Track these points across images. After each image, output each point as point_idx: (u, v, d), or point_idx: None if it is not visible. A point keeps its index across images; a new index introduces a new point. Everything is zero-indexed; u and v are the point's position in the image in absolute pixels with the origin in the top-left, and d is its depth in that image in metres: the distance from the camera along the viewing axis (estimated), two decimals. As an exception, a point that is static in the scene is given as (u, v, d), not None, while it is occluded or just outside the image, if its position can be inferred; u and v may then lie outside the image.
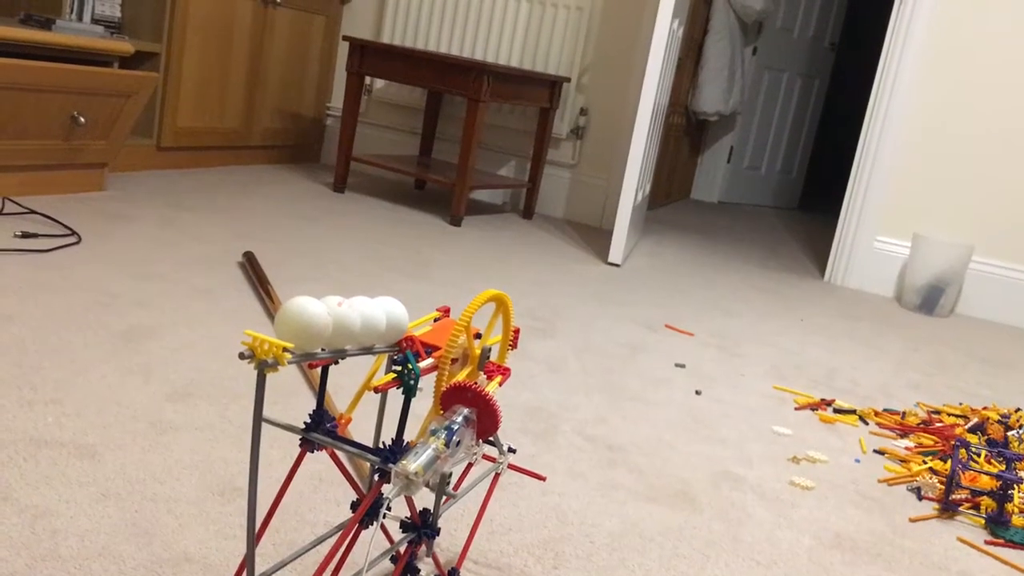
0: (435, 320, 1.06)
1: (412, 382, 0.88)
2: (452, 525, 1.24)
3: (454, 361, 0.95)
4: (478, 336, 1.04)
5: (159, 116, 3.28)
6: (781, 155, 5.75)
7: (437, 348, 0.97)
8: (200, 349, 1.72)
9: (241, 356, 0.79)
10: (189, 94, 3.37)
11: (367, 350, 0.91)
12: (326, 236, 2.83)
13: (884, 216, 3.51)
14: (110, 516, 1.12)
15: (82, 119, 2.57)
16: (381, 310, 0.90)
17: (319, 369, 1.69)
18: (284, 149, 4.06)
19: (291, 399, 1.57)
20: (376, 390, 0.90)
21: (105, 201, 2.73)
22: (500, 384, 0.99)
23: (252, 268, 2.24)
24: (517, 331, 1.06)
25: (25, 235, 2.21)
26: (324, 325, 0.83)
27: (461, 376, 0.97)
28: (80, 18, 3.08)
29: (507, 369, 1.02)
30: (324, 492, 1.27)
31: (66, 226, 2.35)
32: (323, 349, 0.87)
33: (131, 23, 3.24)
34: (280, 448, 1.38)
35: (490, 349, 1.04)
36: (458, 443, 0.86)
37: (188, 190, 3.12)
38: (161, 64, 3.23)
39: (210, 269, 2.25)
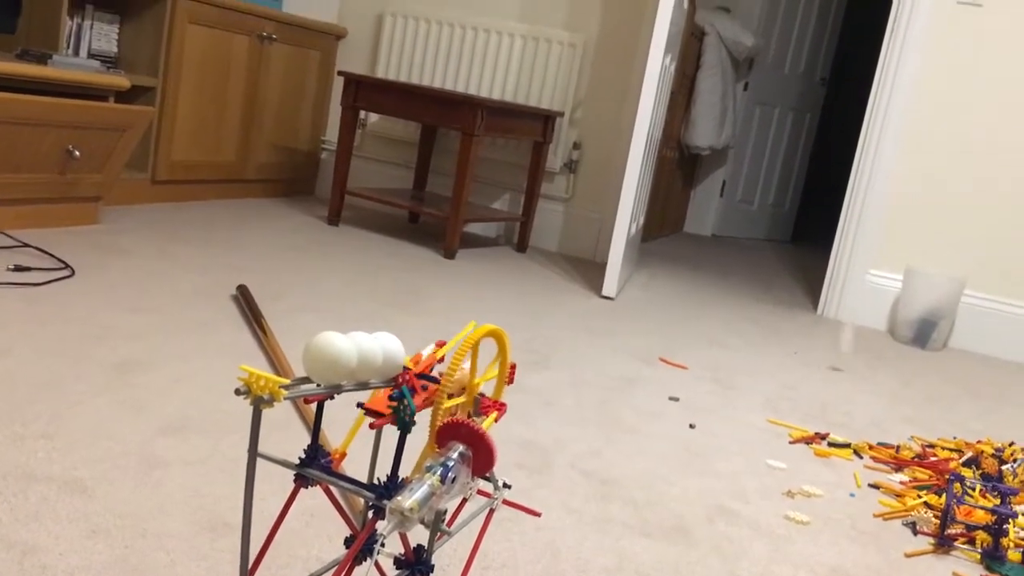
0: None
1: (407, 418, 0.88)
2: (446, 561, 1.23)
3: (450, 396, 0.95)
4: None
5: (154, 150, 3.29)
6: (773, 189, 5.79)
7: (434, 381, 0.97)
8: (193, 383, 1.72)
9: (237, 392, 0.79)
10: (185, 128, 3.39)
11: (363, 385, 0.91)
12: (320, 269, 2.83)
13: (876, 249, 3.53)
14: (100, 552, 1.11)
15: (77, 153, 2.57)
16: (379, 345, 0.90)
17: (314, 404, 1.68)
18: (279, 182, 4.07)
19: (283, 433, 1.57)
20: (372, 426, 0.89)
21: (99, 234, 2.73)
22: (496, 420, 0.99)
23: (246, 301, 2.24)
24: (513, 367, 1.06)
25: (18, 268, 2.20)
26: (351, 359, 0.85)
27: (456, 402, 0.97)
28: (76, 53, 3.10)
29: (503, 405, 1.02)
30: (316, 528, 1.26)
31: (59, 259, 2.35)
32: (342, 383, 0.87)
33: (128, 58, 3.26)
34: (272, 483, 1.37)
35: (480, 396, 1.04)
36: (453, 479, 0.86)
37: (182, 223, 3.12)
38: (157, 98, 3.24)
39: (204, 302, 2.25)
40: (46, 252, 2.39)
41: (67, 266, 2.31)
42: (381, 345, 0.91)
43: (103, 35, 3.19)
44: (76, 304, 2.04)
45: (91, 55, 3.15)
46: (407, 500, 0.80)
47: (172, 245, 2.77)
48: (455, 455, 0.87)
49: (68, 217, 2.74)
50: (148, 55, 3.24)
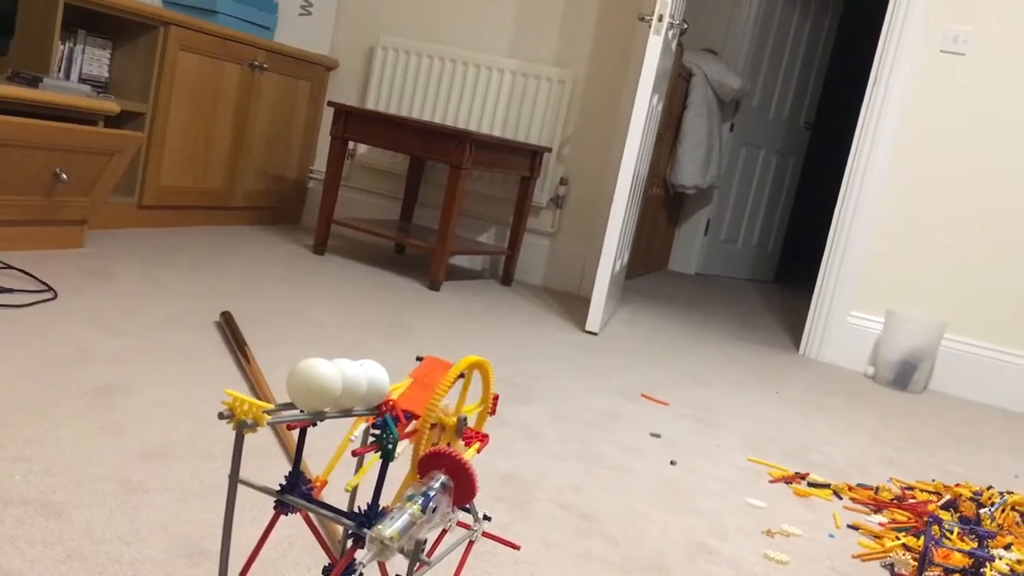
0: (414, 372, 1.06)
1: (390, 447, 0.88)
2: (424, 593, 1.22)
3: (433, 426, 0.95)
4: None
5: (142, 175, 3.29)
6: (757, 229, 5.84)
7: (415, 413, 0.97)
8: (174, 408, 1.71)
9: (220, 416, 0.79)
10: (173, 154, 3.40)
11: (347, 412, 0.91)
12: (305, 298, 2.83)
13: (858, 292, 3.56)
14: (75, 578, 1.10)
15: (64, 176, 2.57)
16: (364, 372, 0.91)
17: (295, 431, 1.67)
18: (266, 210, 4.07)
19: (263, 460, 1.56)
20: (354, 453, 0.89)
21: (84, 258, 2.73)
22: (478, 451, 0.99)
23: (229, 328, 2.23)
24: (496, 398, 1.07)
25: (0, 290, 2.19)
26: (335, 385, 0.85)
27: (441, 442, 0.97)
28: (68, 77, 3.11)
29: (485, 436, 1.02)
30: (294, 557, 1.26)
31: (42, 282, 2.34)
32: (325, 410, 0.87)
33: (118, 83, 3.28)
34: (251, 511, 1.36)
35: (466, 418, 1.04)
36: (434, 509, 0.86)
37: (168, 249, 3.12)
38: (146, 124, 3.25)
39: (187, 328, 2.24)
40: (29, 274, 2.38)
41: (50, 288, 2.30)
42: (366, 373, 0.92)
43: (95, 60, 3.20)
44: (58, 327, 2.03)
45: (82, 79, 3.16)
46: (387, 529, 0.80)
47: (157, 270, 2.77)
48: (437, 484, 0.87)
49: (53, 240, 2.74)
50: (139, 81, 3.25)
